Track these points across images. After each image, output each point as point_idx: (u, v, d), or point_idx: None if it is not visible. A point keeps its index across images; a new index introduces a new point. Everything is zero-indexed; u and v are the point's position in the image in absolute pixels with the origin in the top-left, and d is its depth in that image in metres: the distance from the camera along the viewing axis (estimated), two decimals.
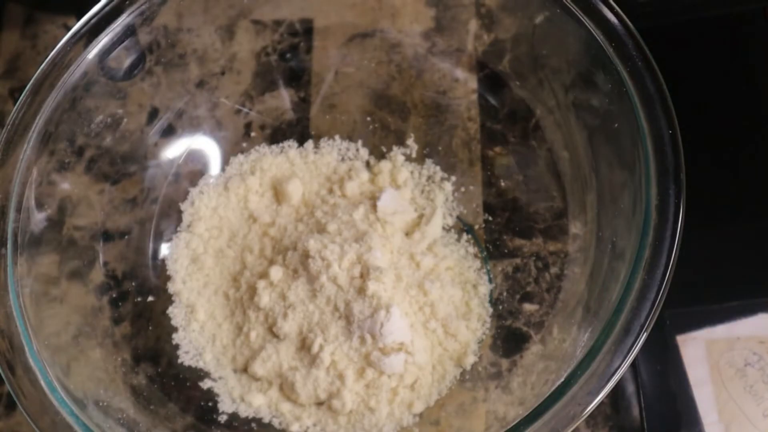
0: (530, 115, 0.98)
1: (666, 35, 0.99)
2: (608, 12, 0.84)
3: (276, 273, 0.91)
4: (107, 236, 0.95)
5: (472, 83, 1.01)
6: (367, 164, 1.00)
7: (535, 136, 0.98)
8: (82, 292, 0.91)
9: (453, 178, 0.99)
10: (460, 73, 1.01)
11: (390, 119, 1.01)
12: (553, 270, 0.93)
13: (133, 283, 0.96)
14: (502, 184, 0.97)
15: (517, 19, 0.99)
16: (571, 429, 0.75)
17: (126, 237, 0.96)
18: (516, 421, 0.75)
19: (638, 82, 0.82)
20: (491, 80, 1.00)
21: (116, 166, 0.96)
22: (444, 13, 1.02)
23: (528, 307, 0.93)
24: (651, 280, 0.76)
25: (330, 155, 1.01)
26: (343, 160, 1.01)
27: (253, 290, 0.93)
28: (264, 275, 0.93)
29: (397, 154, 0.99)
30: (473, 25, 1.01)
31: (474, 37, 1.01)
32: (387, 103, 1.02)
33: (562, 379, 0.75)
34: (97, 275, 0.94)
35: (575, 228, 0.94)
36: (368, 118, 1.02)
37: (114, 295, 0.94)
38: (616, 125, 0.84)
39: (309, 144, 1.01)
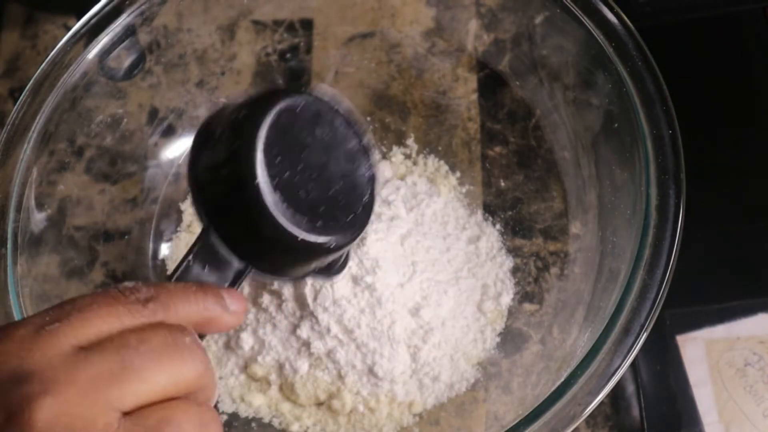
0: (530, 115, 0.98)
1: (666, 35, 0.99)
2: (608, 12, 0.84)
3: None
4: (107, 236, 0.95)
5: (472, 83, 1.01)
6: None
7: (535, 136, 0.98)
8: (82, 292, 0.91)
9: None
10: (460, 73, 1.01)
11: (390, 119, 1.01)
12: (553, 270, 0.93)
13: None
14: (502, 184, 0.97)
15: (517, 19, 0.98)
16: (571, 429, 0.75)
17: (126, 237, 0.96)
18: (516, 422, 0.75)
19: (638, 83, 0.82)
20: (491, 80, 1.00)
21: (116, 166, 0.96)
22: (444, 13, 1.02)
23: (528, 307, 0.93)
24: (651, 280, 0.76)
25: None
26: None
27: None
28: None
29: (397, 153, 0.99)
30: (473, 25, 1.01)
31: (474, 37, 1.01)
32: (387, 103, 1.02)
33: (562, 379, 0.75)
34: (98, 275, 0.94)
35: (575, 228, 0.94)
36: (368, 118, 1.02)
37: None
38: (616, 125, 0.84)
39: None
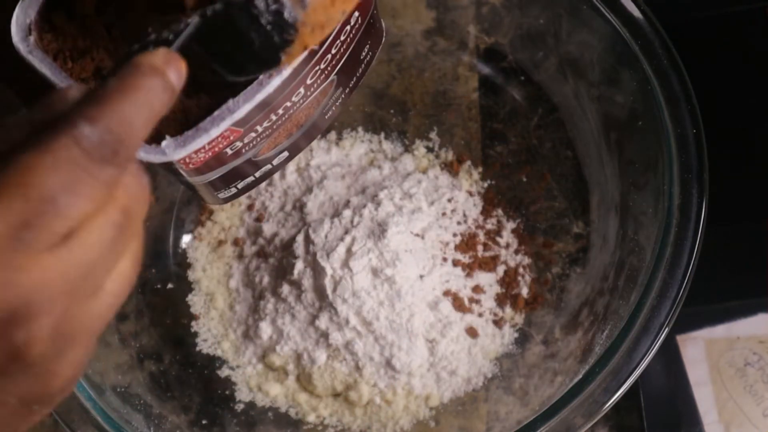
0: (532, 114, 0.98)
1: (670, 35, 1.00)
2: (635, 9, 0.85)
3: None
4: None
5: (473, 82, 1.01)
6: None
7: (536, 136, 0.98)
8: None
9: None
10: (461, 72, 1.01)
11: (390, 118, 1.01)
12: (555, 270, 0.93)
13: (154, 270, 0.96)
14: (503, 183, 0.97)
15: (518, 18, 0.98)
16: (588, 426, 0.75)
17: (147, 224, 0.96)
18: (531, 418, 0.76)
19: (663, 80, 0.83)
20: (492, 80, 1.00)
21: None
22: (445, 14, 1.02)
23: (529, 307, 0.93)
24: (672, 279, 0.77)
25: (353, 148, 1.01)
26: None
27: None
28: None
29: (419, 146, 0.99)
30: (474, 24, 1.01)
31: (475, 36, 1.01)
32: (387, 102, 1.02)
33: (580, 377, 0.76)
34: None
35: (577, 228, 0.94)
36: (369, 118, 1.01)
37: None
38: (641, 123, 0.85)
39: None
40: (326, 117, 0.70)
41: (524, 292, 0.92)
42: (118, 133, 0.45)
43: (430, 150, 0.99)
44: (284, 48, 0.55)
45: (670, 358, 0.90)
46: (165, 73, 0.49)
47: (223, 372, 0.93)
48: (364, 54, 0.68)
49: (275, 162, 0.68)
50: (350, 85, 0.69)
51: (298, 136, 0.68)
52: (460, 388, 0.90)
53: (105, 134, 0.45)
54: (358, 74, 0.69)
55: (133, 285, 0.51)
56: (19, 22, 0.60)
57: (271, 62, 0.56)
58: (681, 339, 0.90)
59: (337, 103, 0.69)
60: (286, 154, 0.69)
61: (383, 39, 0.70)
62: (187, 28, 0.53)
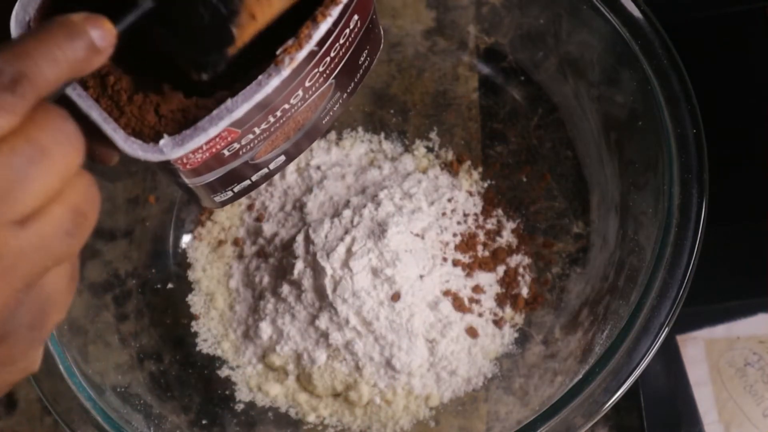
0: (532, 114, 0.98)
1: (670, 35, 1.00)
2: (635, 9, 0.85)
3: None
4: (111, 235, 0.94)
5: (473, 82, 1.01)
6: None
7: (536, 136, 0.98)
8: (100, 277, 0.93)
9: None
10: (461, 72, 1.01)
11: (390, 118, 1.01)
12: (555, 270, 0.93)
13: (154, 270, 0.96)
14: (504, 183, 0.97)
15: (518, 18, 0.98)
16: (587, 427, 0.75)
17: (147, 224, 0.96)
18: (531, 418, 0.76)
19: (663, 80, 0.82)
20: (492, 80, 1.00)
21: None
22: (445, 14, 1.02)
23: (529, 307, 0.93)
24: (672, 279, 0.77)
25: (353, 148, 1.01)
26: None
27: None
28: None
29: (419, 146, 0.99)
30: (474, 24, 1.01)
31: (475, 36, 1.01)
32: (387, 102, 1.02)
33: (580, 377, 0.76)
34: (99, 274, 0.93)
35: (577, 228, 0.94)
36: (369, 118, 1.01)
37: (134, 281, 0.95)
38: (640, 123, 0.85)
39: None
40: (324, 121, 0.70)
41: (524, 292, 0.92)
42: (18, 66, 0.47)
43: (430, 150, 0.99)
44: (232, 20, 0.56)
45: (670, 358, 0.90)
46: (83, 28, 0.50)
47: (223, 372, 0.93)
48: (362, 59, 0.68)
49: (272, 166, 0.69)
50: (348, 90, 0.69)
51: (296, 140, 0.68)
52: (460, 388, 0.90)
53: (2, 64, 0.46)
54: (356, 79, 0.69)
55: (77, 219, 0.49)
56: (18, 19, 0.60)
57: (226, 37, 0.57)
58: (681, 339, 0.90)
59: (335, 108, 0.69)
60: (283, 158, 0.69)
61: (381, 45, 0.70)
62: (137, 9, 0.54)
